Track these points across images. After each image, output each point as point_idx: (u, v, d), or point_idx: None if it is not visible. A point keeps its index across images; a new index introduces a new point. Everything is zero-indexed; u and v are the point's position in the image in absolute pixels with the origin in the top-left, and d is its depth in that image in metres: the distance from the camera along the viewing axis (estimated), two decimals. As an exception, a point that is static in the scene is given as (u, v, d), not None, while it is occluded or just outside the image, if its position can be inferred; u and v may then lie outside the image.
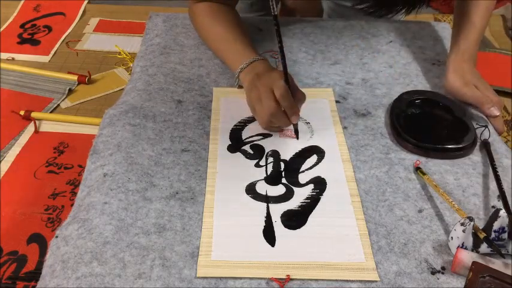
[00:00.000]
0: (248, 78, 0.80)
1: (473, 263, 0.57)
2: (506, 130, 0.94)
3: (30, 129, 0.89)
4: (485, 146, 0.77)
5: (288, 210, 0.67)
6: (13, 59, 1.08)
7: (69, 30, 1.17)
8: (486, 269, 0.57)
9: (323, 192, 0.70)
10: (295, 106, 0.74)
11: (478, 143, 0.78)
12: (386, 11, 0.78)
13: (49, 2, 1.27)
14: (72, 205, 0.68)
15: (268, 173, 0.72)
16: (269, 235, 0.64)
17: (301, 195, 0.69)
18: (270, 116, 0.75)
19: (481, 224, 0.64)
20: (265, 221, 0.65)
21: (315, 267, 0.60)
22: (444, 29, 1.06)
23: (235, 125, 0.80)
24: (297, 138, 0.78)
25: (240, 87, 0.85)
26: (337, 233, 0.64)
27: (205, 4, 0.93)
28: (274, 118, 0.75)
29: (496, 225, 0.61)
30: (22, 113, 0.91)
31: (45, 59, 1.08)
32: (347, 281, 0.59)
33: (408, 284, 0.59)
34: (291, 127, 0.78)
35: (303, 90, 0.78)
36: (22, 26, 1.19)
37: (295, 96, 0.75)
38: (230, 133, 0.78)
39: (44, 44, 1.12)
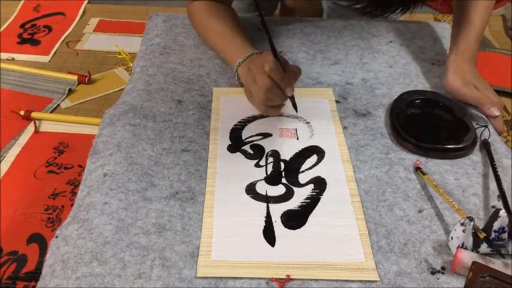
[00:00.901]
0: (245, 71, 0.80)
1: (473, 263, 0.57)
2: (506, 130, 0.94)
3: (30, 129, 0.89)
4: (485, 146, 0.77)
5: (288, 210, 0.67)
6: (13, 59, 1.08)
7: (69, 30, 1.17)
8: (486, 269, 0.57)
9: (323, 192, 0.70)
10: (287, 77, 0.75)
11: (478, 143, 0.78)
12: (381, 11, 0.78)
13: (49, 2, 1.27)
14: (72, 205, 0.68)
15: (268, 173, 0.72)
16: (269, 235, 0.63)
17: (301, 195, 0.69)
18: (266, 93, 0.75)
19: (481, 224, 0.64)
20: (265, 221, 0.65)
21: (315, 267, 0.60)
22: (444, 29, 1.06)
23: (235, 125, 0.80)
24: (295, 110, 0.78)
25: (240, 83, 0.85)
26: (337, 233, 0.64)
27: (202, 2, 0.94)
28: (270, 94, 0.75)
29: (496, 225, 0.61)
30: (22, 113, 0.91)
31: (45, 59, 1.08)
32: (347, 281, 0.59)
33: (408, 284, 0.59)
34: (290, 125, 0.78)
35: (303, 90, 0.78)
36: (22, 26, 1.19)
37: (287, 70, 0.76)
38: (230, 133, 0.78)
39: (44, 44, 1.12)
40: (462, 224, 0.60)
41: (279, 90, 0.75)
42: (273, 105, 0.78)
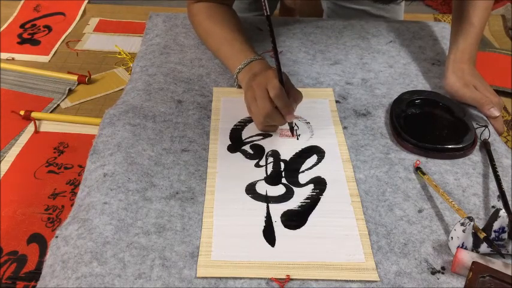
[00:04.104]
0: (246, 79, 0.80)
1: (473, 263, 0.57)
2: (506, 130, 0.94)
3: (30, 129, 0.89)
4: (485, 146, 0.77)
5: (288, 210, 0.67)
6: (13, 59, 1.08)
7: (69, 30, 1.17)
8: (486, 269, 0.57)
9: (323, 192, 0.70)
10: (290, 105, 0.74)
11: (478, 143, 0.78)
12: None
13: (49, 2, 1.27)
14: (72, 205, 0.68)
15: (268, 173, 0.72)
16: (269, 235, 0.64)
17: (301, 195, 0.69)
18: (265, 116, 0.75)
19: (481, 224, 0.64)
20: (265, 221, 0.65)
21: (315, 267, 0.60)
22: (444, 29, 1.07)
23: (235, 125, 0.80)
24: (292, 135, 0.78)
25: (240, 87, 0.85)
26: (337, 233, 0.64)
27: (203, 4, 0.94)
28: (269, 118, 0.75)
29: (496, 225, 0.61)
30: (22, 113, 0.91)
31: (45, 59, 1.08)
32: (347, 281, 0.59)
33: (408, 284, 0.59)
34: (287, 126, 0.78)
35: (303, 90, 0.78)
36: (22, 26, 1.19)
37: (290, 95, 0.75)
38: (230, 133, 0.79)
39: (44, 44, 1.12)
40: (462, 224, 0.60)
41: (279, 115, 0.74)
42: (271, 125, 0.78)
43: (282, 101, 0.73)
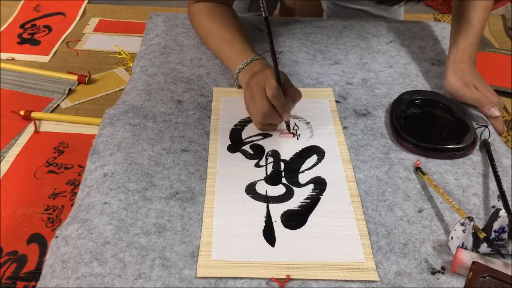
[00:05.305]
0: (245, 79, 0.80)
1: (473, 263, 0.57)
2: (506, 130, 0.94)
3: (30, 129, 0.89)
4: (485, 146, 0.77)
5: (288, 210, 0.67)
6: (13, 59, 1.08)
7: (69, 30, 1.18)
8: (486, 269, 0.57)
9: (323, 192, 0.70)
10: (287, 105, 0.74)
11: (478, 143, 0.78)
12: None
13: (49, 2, 1.27)
14: (72, 205, 0.68)
15: (268, 173, 0.72)
16: (269, 235, 0.63)
17: (301, 195, 0.69)
18: (263, 116, 0.75)
19: (481, 224, 0.64)
20: (265, 221, 0.65)
21: (315, 267, 0.60)
22: (444, 29, 1.07)
23: (235, 125, 0.80)
24: (289, 132, 0.78)
25: (240, 87, 0.85)
26: (337, 233, 0.64)
27: (203, 4, 0.94)
28: (267, 117, 0.75)
29: (496, 225, 0.61)
30: (22, 113, 0.91)
31: (45, 59, 1.08)
32: (347, 281, 0.59)
33: (408, 284, 0.59)
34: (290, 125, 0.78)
35: (303, 90, 0.78)
36: (22, 26, 1.19)
37: (288, 94, 0.75)
38: (230, 133, 0.79)
39: (44, 44, 1.13)
40: (462, 224, 0.60)
41: (276, 114, 0.75)
42: (270, 124, 0.78)
43: (279, 101, 0.73)
